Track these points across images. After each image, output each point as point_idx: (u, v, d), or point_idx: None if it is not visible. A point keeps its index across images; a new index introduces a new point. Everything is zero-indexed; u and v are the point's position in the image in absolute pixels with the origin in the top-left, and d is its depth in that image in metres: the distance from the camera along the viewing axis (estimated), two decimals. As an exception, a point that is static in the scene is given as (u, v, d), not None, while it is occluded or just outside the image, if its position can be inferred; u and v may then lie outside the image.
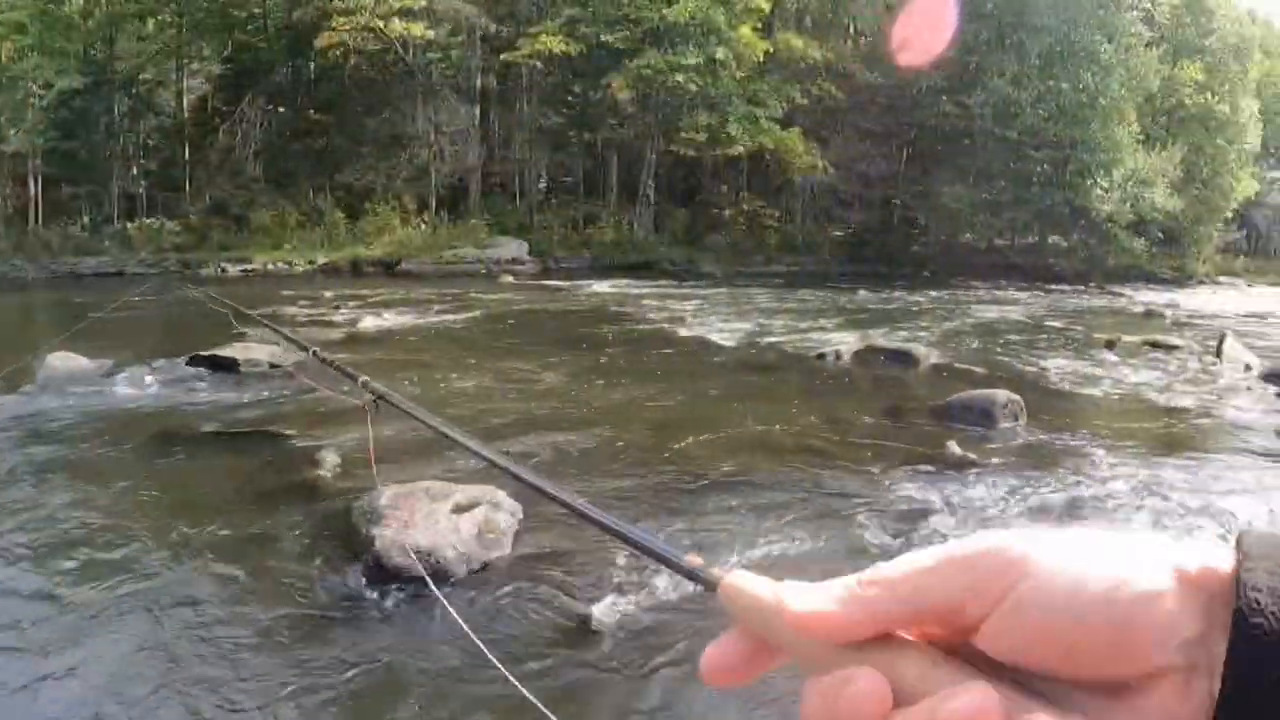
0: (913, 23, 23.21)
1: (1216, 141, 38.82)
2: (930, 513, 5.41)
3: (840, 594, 0.45)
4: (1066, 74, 28.12)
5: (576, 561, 4.45)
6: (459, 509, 4.63)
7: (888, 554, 4.71)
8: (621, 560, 4.35)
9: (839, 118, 24.81)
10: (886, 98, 25.35)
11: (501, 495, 4.85)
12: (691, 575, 0.56)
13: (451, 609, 3.48)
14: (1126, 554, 0.42)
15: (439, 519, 4.52)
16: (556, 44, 24.20)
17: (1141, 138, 31.68)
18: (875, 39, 26.92)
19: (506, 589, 4.16)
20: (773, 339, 12.18)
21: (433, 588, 3.73)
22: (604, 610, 3.93)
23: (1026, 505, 5.79)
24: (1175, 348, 14.40)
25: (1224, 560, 0.40)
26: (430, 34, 26.47)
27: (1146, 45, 32.00)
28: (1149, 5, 35.05)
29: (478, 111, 29.19)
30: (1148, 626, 0.40)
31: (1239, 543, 0.41)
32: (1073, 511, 5.80)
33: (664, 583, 4.11)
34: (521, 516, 4.77)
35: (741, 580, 0.48)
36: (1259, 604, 0.38)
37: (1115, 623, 0.40)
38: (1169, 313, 21.93)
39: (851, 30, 26.85)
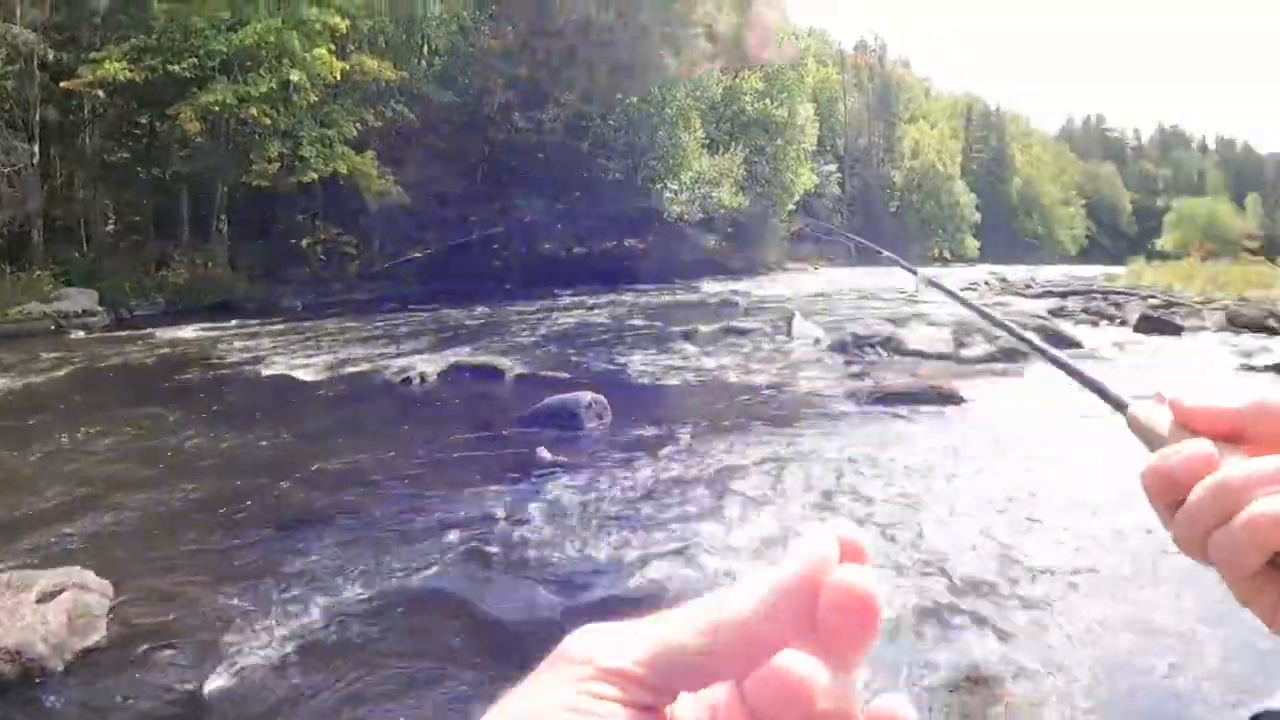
0: None
1: (777, 143, 42.28)
2: (523, 519, 5.46)
3: (1203, 406, 0.58)
4: (634, 86, 29.00)
5: (177, 633, 4.15)
6: (44, 597, 4.20)
7: (497, 567, 4.75)
8: (229, 630, 4.10)
9: (413, 139, 24.69)
10: (459, 117, 25.45)
11: (89, 575, 4.46)
12: (1116, 402, 0.71)
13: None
14: None
15: (24, 613, 4.08)
16: (121, 71, 22.85)
17: (706, 142, 33.64)
18: (449, 59, 27.03)
19: (108, 676, 3.84)
20: (358, 368, 11.87)
21: None
22: (213, 682, 3.72)
23: (614, 497, 5.94)
24: (749, 331, 15.25)
25: None
26: (-22, 62, 24.37)
27: (708, 58, 33.58)
28: (711, 23, 37.14)
29: (36, 149, 27.00)
30: None
31: None
32: (658, 494, 6.01)
33: (263, 640, 3.99)
34: (112, 594, 4.42)
35: (1140, 407, 0.64)
36: None
37: None
38: (741, 301, 23.33)
39: (425, 50, 26.85)
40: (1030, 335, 0.89)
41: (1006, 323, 0.98)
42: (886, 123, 75.85)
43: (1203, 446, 0.54)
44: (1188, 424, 0.58)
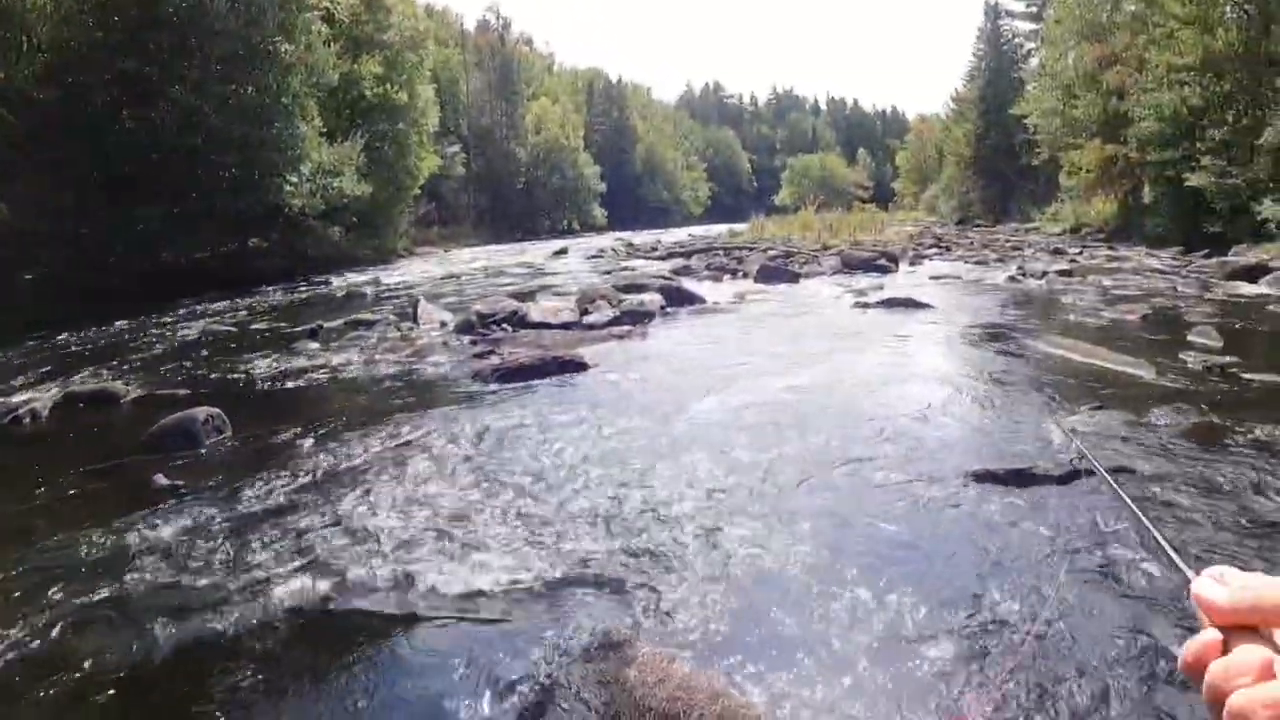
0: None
1: (398, 126, 42.21)
2: (141, 550, 5.20)
3: (1231, 591, 0.66)
4: (249, 76, 28.27)
5: None
6: None
7: (105, 612, 4.41)
8: None
9: (18, 148, 22.75)
10: (64, 119, 23.78)
11: None
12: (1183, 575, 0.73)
13: None
14: None
15: None
16: None
17: (325, 131, 33.12)
18: (53, 54, 24.83)
19: None
20: None
21: None
22: None
23: (239, 513, 5.77)
24: (375, 322, 15.37)
25: None
26: None
27: (325, 43, 33.13)
28: (329, 4, 35.94)
29: None
30: None
31: None
32: (285, 506, 5.88)
33: None
34: None
35: (1199, 583, 0.70)
36: None
37: None
38: (369, 290, 23.43)
39: (24, 47, 24.63)
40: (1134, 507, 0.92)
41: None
42: (509, 100, 76.91)
43: (1207, 635, 0.65)
44: (1207, 610, 0.67)
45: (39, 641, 4.21)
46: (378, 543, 5.11)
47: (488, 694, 3.46)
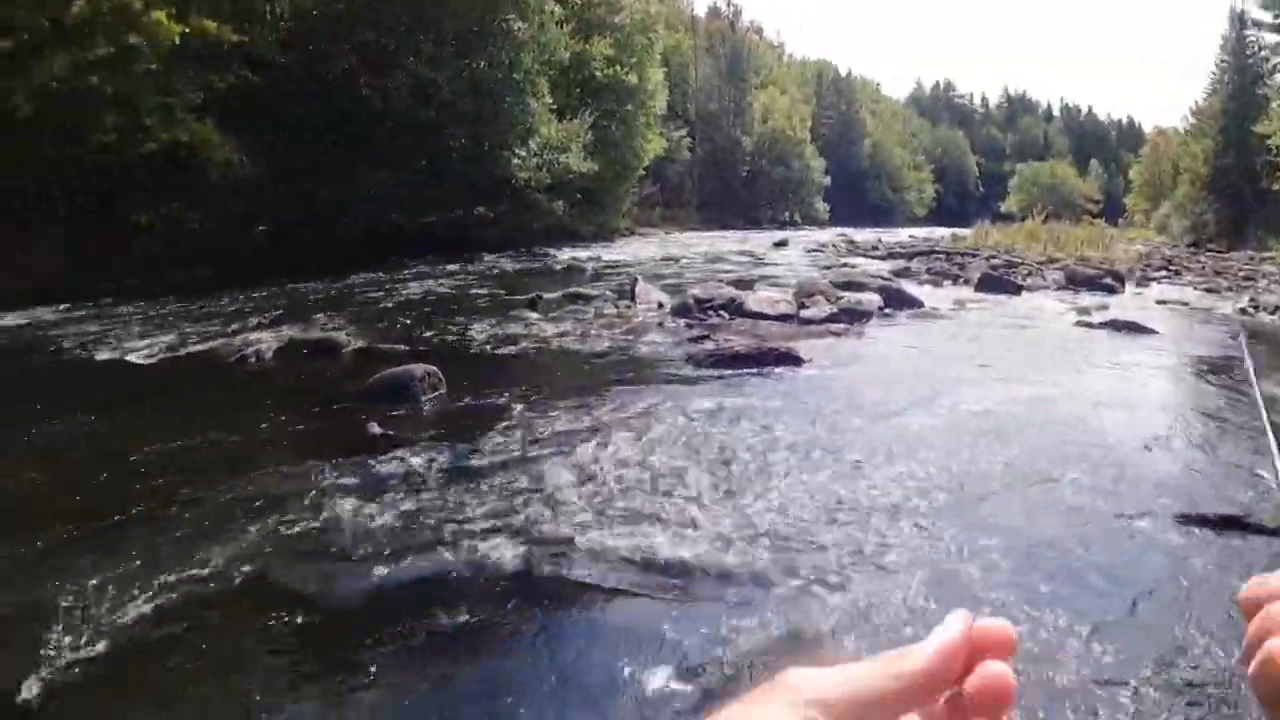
0: None
1: (626, 108, 42.35)
2: (352, 494, 5.39)
3: None
4: (482, 52, 28.69)
5: None
6: None
7: (322, 549, 4.72)
8: (50, 627, 3.93)
9: (259, 108, 23.85)
10: (304, 84, 24.69)
11: None
12: None
13: None
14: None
15: None
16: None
17: (555, 108, 33.41)
18: (295, 22, 25.96)
19: None
20: (195, 349, 11.38)
21: None
22: (29, 681, 3.50)
23: (447, 468, 5.94)
24: (593, 297, 15.35)
25: None
26: None
27: (558, 22, 33.60)
28: None
29: None
30: None
31: None
32: (493, 466, 5.98)
33: (86, 636, 3.90)
34: None
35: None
36: None
37: None
38: (590, 266, 23.52)
39: (269, 14, 25.83)
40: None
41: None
42: (737, 88, 76.47)
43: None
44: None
45: (244, 567, 4.42)
46: (578, 512, 5.10)
47: (671, 673, 3.42)
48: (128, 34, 21.83)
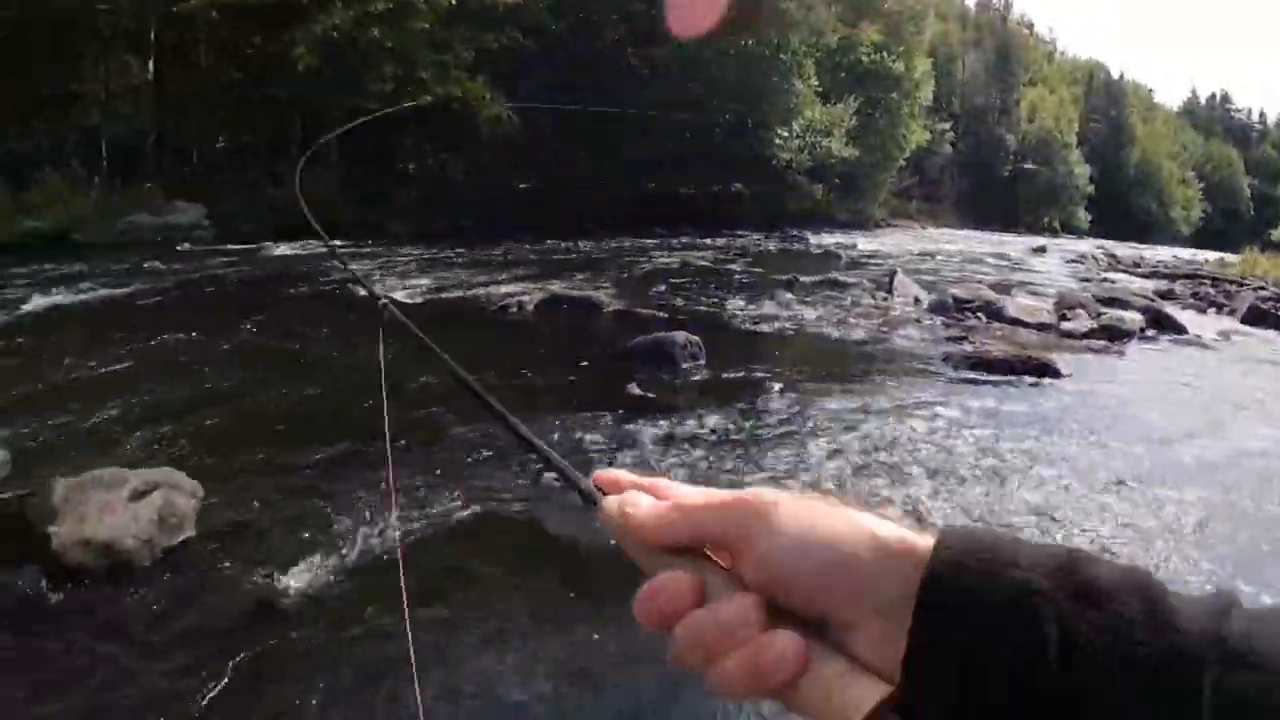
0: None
1: (891, 96, 41.31)
2: (610, 450, 5.54)
3: (658, 511, 0.59)
4: (751, 29, 28.48)
5: (263, 537, 4.33)
6: (136, 496, 4.36)
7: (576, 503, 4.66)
8: (313, 536, 4.28)
9: (526, 69, 24.41)
10: (572, 49, 25.16)
11: (180, 477, 4.60)
12: (582, 493, 0.65)
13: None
14: (847, 521, 0.53)
15: (116, 509, 4.24)
16: (232, -8, 22.94)
17: (820, 91, 33.07)
18: None
19: (193, 573, 4.01)
20: (458, 293, 11.94)
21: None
22: (293, 585, 3.86)
23: (702, 437, 5.98)
24: (850, 285, 15.06)
25: (924, 541, 0.50)
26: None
27: (828, 4, 32.93)
28: None
29: (152, 66, 27.33)
30: (854, 577, 0.51)
31: (940, 531, 0.50)
32: (747, 440, 6.04)
33: (350, 552, 4.11)
34: (202, 495, 4.53)
35: (609, 502, 0.62)
36: (942, 578, 0.48)
37: (827, 573, 0.51)
38: (846, 254, 23.02)
39: None
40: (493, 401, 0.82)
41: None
42: (1004, 83, 73.58)
43: (688, 581, 0.56)
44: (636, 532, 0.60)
45: (489, 505, 4.62)
46: (842, 497, 4.45)
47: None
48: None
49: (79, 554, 4.00)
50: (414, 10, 22.61)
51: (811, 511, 0.54)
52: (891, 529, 0.52)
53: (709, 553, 0.57)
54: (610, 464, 5.14)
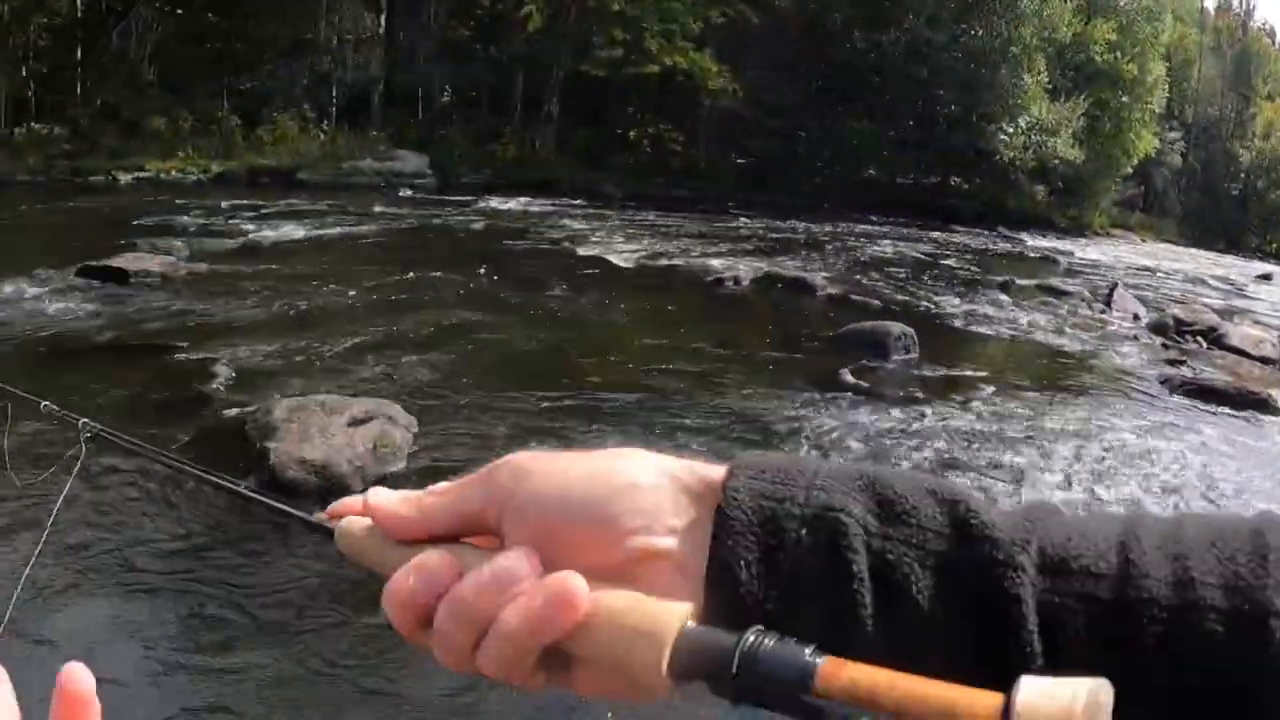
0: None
1: (1122, 99, 39.21)
2: (818, 434, 5.55)
3: (406, 497, 0.56)
4: (981, 19, 28.07)
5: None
6: (354, 423, 4.56)
7: None
8: None
9: (751, 44, 24.33)
10: (799, 28, 24.95)
11: (397, 410, 4.79)
12: (311, 525, 0.61)
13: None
14: (612, 461, 0.51)
15: (334, 433, 4.44)
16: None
17: (1049, 87, 31.89)
18: None
19: None
20: (671, 262, 12.07)
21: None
22: None
23: (911, 432, 5.96)
24: (1067, 294, 14.68)
25: (716, 470, 0.50)
26: (333, -65, 25.63)
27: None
28: None
29: (382, 20, 28.32)
30: (628, 514, 0.49)
31: (733, 460, 0.50)
32: (955, 441, 5.98)
33: None
34: (417, 430, 4.68)
35: (345, 523, 0.58)
36: (736, 500, 0.48)
37: (594, 515, 0.49)
38: (1063, 260, 22.34)
39: None
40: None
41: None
42: (1241, 95, 69.23)
43: (446, 558, 0.53)
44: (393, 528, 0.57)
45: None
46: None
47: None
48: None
49: (295, 471, 4.18)
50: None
51: (574, 458, 0.52)
52: (682, 461, 0.51)
53: (469, 542, 0.53)
54: (818, 451, 5.33)
